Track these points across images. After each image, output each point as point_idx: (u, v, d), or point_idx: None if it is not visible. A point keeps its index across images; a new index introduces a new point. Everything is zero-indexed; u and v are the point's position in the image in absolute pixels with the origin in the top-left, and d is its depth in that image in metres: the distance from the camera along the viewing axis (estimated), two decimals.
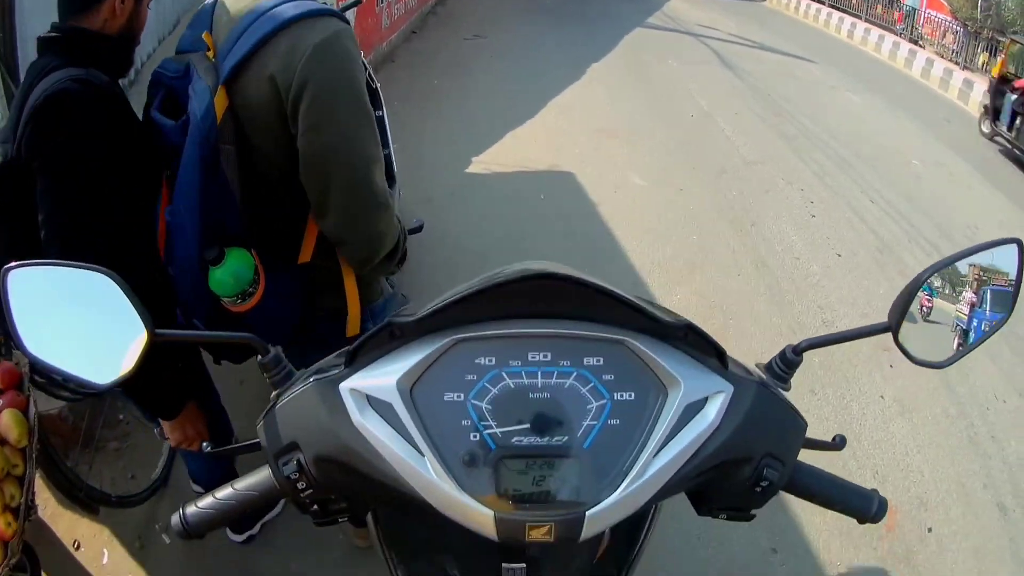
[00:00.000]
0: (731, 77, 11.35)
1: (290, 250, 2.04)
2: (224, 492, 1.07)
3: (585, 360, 0.91)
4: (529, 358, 0.91)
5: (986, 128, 10.17)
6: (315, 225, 2.02)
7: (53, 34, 2.07)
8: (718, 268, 5.22)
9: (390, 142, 5.06)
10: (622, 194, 6.51)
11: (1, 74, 3.95)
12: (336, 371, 0.96)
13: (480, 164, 7.19)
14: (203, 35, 1.90)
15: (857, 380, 4.11)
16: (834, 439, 1.09)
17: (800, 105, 9.93)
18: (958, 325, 1.13)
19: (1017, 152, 9.38)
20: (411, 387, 0.90)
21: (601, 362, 0.91)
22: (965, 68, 13.67)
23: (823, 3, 20.18)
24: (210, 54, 1.88)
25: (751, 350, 4.14)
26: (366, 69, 4.91)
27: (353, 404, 0.90)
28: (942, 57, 14.88)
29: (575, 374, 0.90)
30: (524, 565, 1.03)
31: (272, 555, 3.05)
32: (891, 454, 3.69)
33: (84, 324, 1.07)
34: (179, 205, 1.85)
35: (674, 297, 4.73)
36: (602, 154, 7.56)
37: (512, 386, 0.90)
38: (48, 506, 3.38)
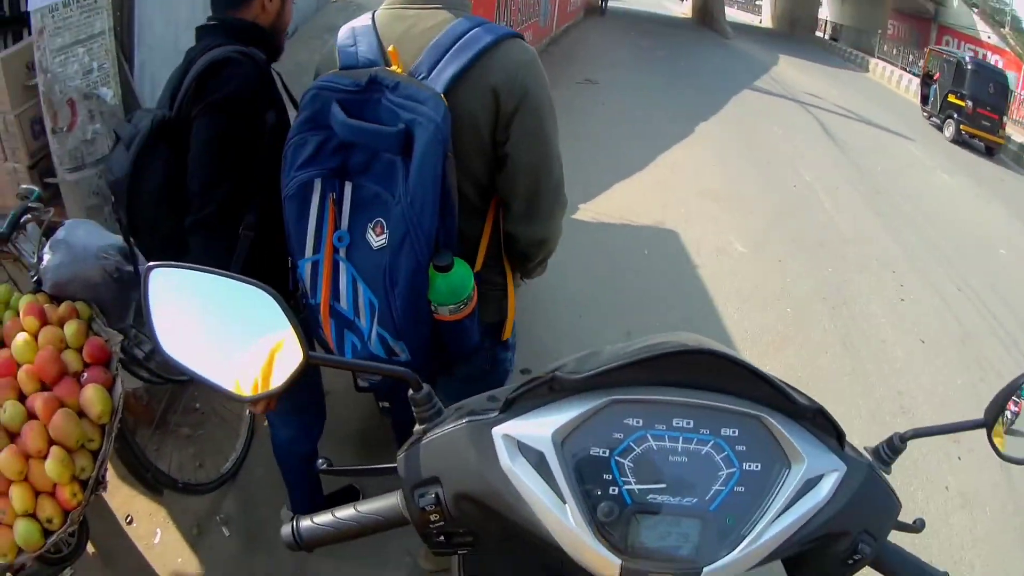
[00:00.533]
0: (832, 148, 11.46)
1: (470, 260, 2.05)
2: (345, 512, 1.12)
3: (722, 431, 0.96)
4: (673, 423, 0.95)
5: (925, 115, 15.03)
6: (488, 234, 2.11)
7: (213, 22, 2.39)
8: (808, 344, 5.38)
9: None
10: (723, 259, 6.69)
11: (119, 60, 4.01)
12: (492, 415, 1.01)
13: (587, 212, 7.33)
14: (389, 49, 1.93)
15: (926, 469, 4.19)
16: (915, 522, 1.15)
17: (897, 183, 10.04)
18: None
19: (936, 121, 14.87)
20: (563, 440, 0.94)
21: (736, 433, 0.96)
22: None
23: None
24: (396, 68, 1.90)
25: None
26: None
27: (504, 448, 0.96)
28: None
29: (712, 442, 0.95)
30: None
31: (331, 563, 3.05)
32: (948, 544, 3.76)
33: (229, 335, 1.09)
34: (414, 211, 1.83)
35: (764, 368, 4.83)
36: (706, 215, 7.74)
37: (655, 448, 0.95)
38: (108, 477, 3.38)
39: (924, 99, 17.31)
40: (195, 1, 5.00)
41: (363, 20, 2.08)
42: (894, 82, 22.04)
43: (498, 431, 0.97)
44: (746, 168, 9.81)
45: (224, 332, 1.09)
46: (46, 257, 2.71)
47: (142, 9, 4.37)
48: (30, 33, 3.51)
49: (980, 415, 1.17)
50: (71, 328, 2.57)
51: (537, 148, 1.99)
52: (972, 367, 5.55)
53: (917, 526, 1.15)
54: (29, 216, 2.87)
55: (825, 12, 36.80)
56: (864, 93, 18.53)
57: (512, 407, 1.00)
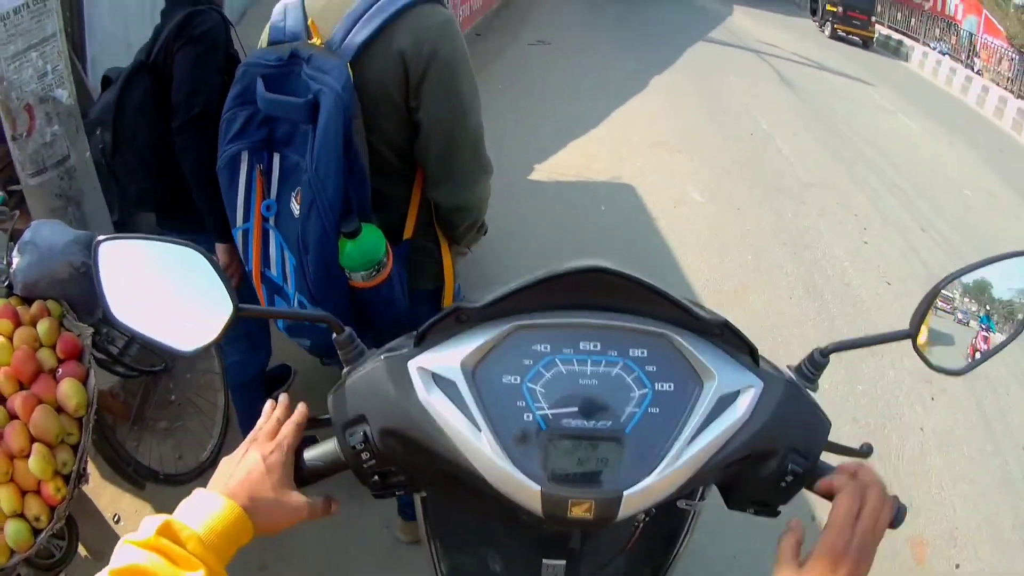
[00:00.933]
0: (789, 95, 11.44)
1: (397, 227, 2.14)
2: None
3: (631, 351, 0.96)
4: (580, 347, 0.96)
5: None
6: (417, 202, 2.15)
7: None
8: (771, 290, 5.32)
9: None
10: (681, 209, 6.61)
11: (71, 59, 4.03)
12: (405, 350, 1.02)
13: (542, 172, 7.27)
14: (309, 23, 2.01)
15: (899, 411, 4.16)
16: (861, 446, 1.13)
17: (857, 128, 10.01)
18: (976, 334, 1.16)
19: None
20: (473, 368, 0.96)
21: (645, 354, 0.97)
22: (1020, 96, 13.65)
23: (882, 24, 20.39)
24: (316, 41, 1.98)
25: None
26: None
27: (420, 381, 0.96)
28: (998, 85, 14.87)
29: (621, 364, 0.96)
30: (564, 562, 1.13)
31: (312, 537, 3.12)
32: (926, 487, 3.73)
33: (170, 295, 1.12)
34: (318, 178, 1.91)
35: (727, 316, 4.75)
36: (663, 168, 7.67)
37: (564, 372, 0.95)
38: (92, 479, 3.34)
39: (813, 12, 22.07)
40: None
41: None
42: None
43: (413, 364, 0.98)
44: (702, 118, 9.76)
45: (165, 293, 1.13)
46: (15, 260, 2.77)
47: (91, 6, 4.57)
48: None
49: None
50: (43, 326, 2.64)
51: (448, 111, 2.00)
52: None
53: (864, 450, 1.12)
54: None
55: None
56: (815, 40, 18.93)
57: (424, 340, 1.02)
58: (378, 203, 2.06)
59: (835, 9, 19.77)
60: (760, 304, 5.10)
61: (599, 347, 0.96)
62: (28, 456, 2.38)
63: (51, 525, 2.39)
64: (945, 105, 14.19)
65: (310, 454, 1.11)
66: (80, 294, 2.87)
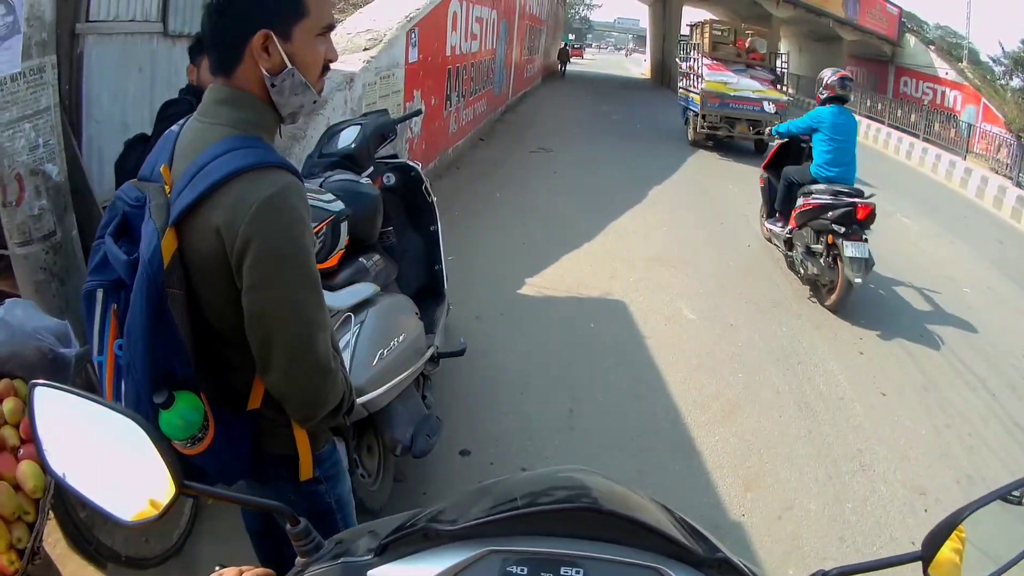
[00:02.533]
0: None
1: (240, 396, 2.02)
2: None
3: None
4: (561, 573, 0.89)
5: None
6: None
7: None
8: (760, 409, 5.25)
9: (442, 258, 5.25)
10: (672, 327, 6.60)
11: (66, 135, 4.11)
12: (367, 557, 0.98)
13: (533, 286, 7.34)
14: (162, 168, 1.90)
15: (890, 525, 4.05)
16: None
17: None
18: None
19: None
20: None
21: None
22: (1018, 185, 13.72)
23: (882, 123, 20.44)
24: (167, 188, 1.87)
25: (784, 497, 4.21)
26: (423, 183, 4.99)
27: None
28: (996, 173, 14.98)
29: None
30: None
31: None
32: None
33: (109, 458, 1.09)
34: (129, 346, 1.85)
35: (713, 438, 4.79)
36: (656, 282, 7.70)
37: None
38: (59, 546, 3.39)
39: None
40: (142, 77, 5.41)
41: (180, 125, 2.02)
42: None
43: (373, 574, 0.94)
44: (699, 230, 9.85)
45: (105, 454, 1.10)
46: None
47: (89, 85, 4.72)
48: None
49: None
50: (8, 405, 2.69)
51: (266, 302, 1.82)
52: (936, 414, 5.44)
53: None
54: None
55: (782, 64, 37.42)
56: None
57: (387, 551, 0.97)
58: (222, 366, 1.99)
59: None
60: (749, 424, 5.04)
61: (582, 574, 0.90)
62: None
63: None
64: (944, 200, 14.26)
65: None
66: (48, 379, 2.80)
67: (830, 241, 7.25)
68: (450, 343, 5.03)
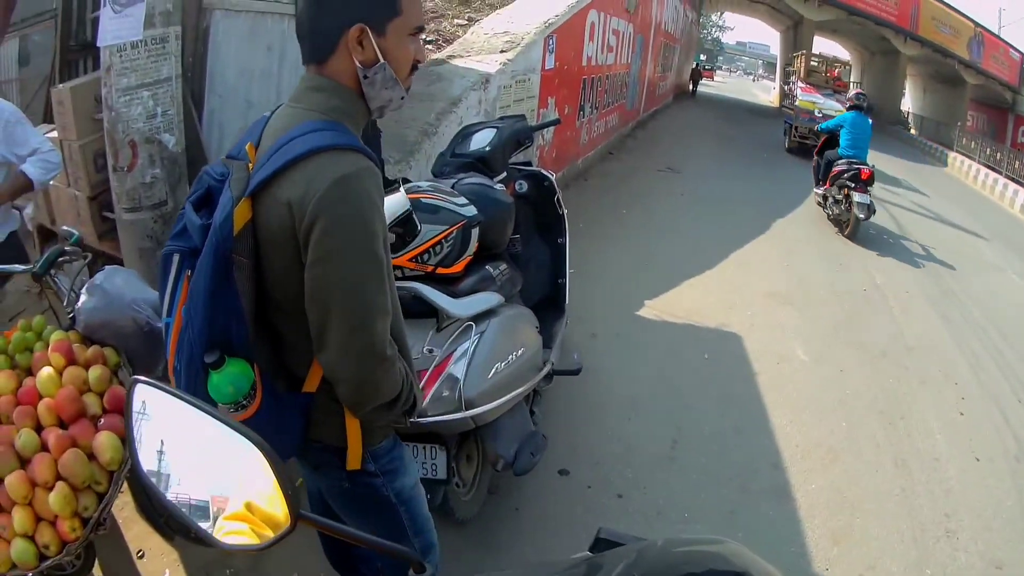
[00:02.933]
0: (905, 249, 11.48)
1: (297, 376, 2.05)
2: None
3: None
4: None
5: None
6: None
7: None
8: (859, 461, 5.27)
9: (567, 271, 5.16)
10: (783, 367, 6.70)
11: (187, 107, 4.18)
12: None
13: (651, 309, 7.50)
14: (247, 145, 1.98)
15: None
16: None
17: (966, 286, 9.95)
18: None
19: None
20: None
21: None
22: None
23: (1000, 173, 20.18)
24: (250, 166, 1.93)
25: (868, 555, 4.26)
26: (555, 194, 5.05)
27: None
28: None
29: None
30: None
31: None
32: None
33: (213, 473, 1.03)
34: (190, 305, 1.91)
35: (809, 485, 4.86)
36: (772, 320, 7.79)
37: None
38: (126, 509, 3.51)
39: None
40: (271, 55, 5.18)
41: (272, 111, 2.14)
42: (971, 177, 21.99)
43: None
44: (818, 269, 9.84)
45: (207, 469, 1.04)
46: (82, 298, 2.86)
47: (215, 59, 4.54)
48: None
49: None
50: (95, 373, 2.69)
51: (325, 274, 1.86)
52: None
53: None
54: (67, 257, 3.04)
55: (907, 104, 36.64)
56: (938, 188, 18.71)
57: None
58: (279, 342, 2.04)
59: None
60: (845, 477, 5.09)
61: None
62: (52, 488, 2.42)
63: (58, 558, 2.41)
64: None
65: None
66: (141, 351, 2.91)
67: (846, 193, 11.58)
68: (565, 359, 5.07)
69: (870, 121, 12.74)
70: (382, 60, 1.95)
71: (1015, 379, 7.37)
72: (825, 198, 12.47)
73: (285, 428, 2.07)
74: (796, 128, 20.85)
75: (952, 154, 25.21)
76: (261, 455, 0.96)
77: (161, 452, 1.05)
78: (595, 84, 12.68)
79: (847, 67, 26.68)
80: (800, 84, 23.47)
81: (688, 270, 8.75)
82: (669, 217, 11.05)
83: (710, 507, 4.55)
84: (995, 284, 10.23)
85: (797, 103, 21.85)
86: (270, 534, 0.98)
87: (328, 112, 1.95)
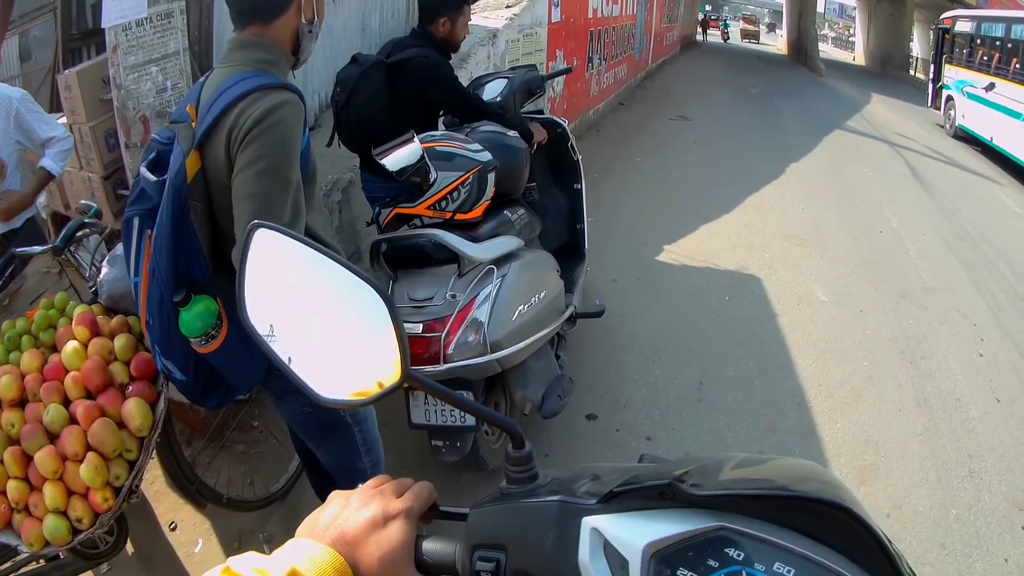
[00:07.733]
0: (921, 193, 11.37)
1: None
2: None
3: None
4: (775, 568, 0.78)
5: None
6: None
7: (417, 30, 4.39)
8: (882, 401, 5.35)
9: (584, 217, 5.22)
10: (804, 307, 6.74)
11: (195, 75, 4.11)
12: (588, 502, 0.89)
13: (670, 253, 7.55)
14: (187, 107, 2.25)
15: (988, 538, 4.02)
16: None
17: (983, 230, 9.87)
18: None
19: None
20: (654, 553, 0.81)
21: None
22: None
23: None
24: (193, 124, 2.20)
25: (894, 492, 4.28)
26: (568, 140, 5.13)
27: (588, 542, 0.84)
28: None
29: None
30: None
31: None
32: None
33: (324, 324, 0.99)
34: (155, 253, 2.11)
35: (834, 425, 4.93)
36: (791, 261, 7.81)
37: None
38: (156, 483, 3.56)
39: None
40: None
41: (208, 74, 2.37)
42: None
43: (588, 521, 0.85)
44: (834, 211, 9.82)
45: (317, 318, 1.01)
46: (104, 270, 2.90)
47: (220, 32, 4.48)
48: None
49: None
50: (120, 342, 2.72)
51: (239, 187, 2.09)
52: None
53: None
54: (86, 230, 3.09)
55: (916, 49, 36.25)
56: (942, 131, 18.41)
57: (612, 500, 0.88)
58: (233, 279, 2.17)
59: None
60: (869, 416, 5.13)
61: (792, 574, 0.79)
62: (82, 461, 2.46)
63: (92, 530, 2.46)
64: None
65: (427, 545, 1.00)
66: None
67: None
68: (587, 304, 5.07)
69: None
70: (316, 17, 2.30)
71: None
72: None
73: (251, 356, 2.29)
74: None
75: None
76: (383, 305, 0.93)
77: (273, 308, 1.04)
78: (602, 36, 12.74)
79: None
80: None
81: (705, 214, 8.78)
82: (683, 164, 11.06)
83: (738, 447, 4.59)
84: (1011, 228, 10.14)
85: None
86: (381, 387, 0.95)
87: (254, 64, 2.22)
